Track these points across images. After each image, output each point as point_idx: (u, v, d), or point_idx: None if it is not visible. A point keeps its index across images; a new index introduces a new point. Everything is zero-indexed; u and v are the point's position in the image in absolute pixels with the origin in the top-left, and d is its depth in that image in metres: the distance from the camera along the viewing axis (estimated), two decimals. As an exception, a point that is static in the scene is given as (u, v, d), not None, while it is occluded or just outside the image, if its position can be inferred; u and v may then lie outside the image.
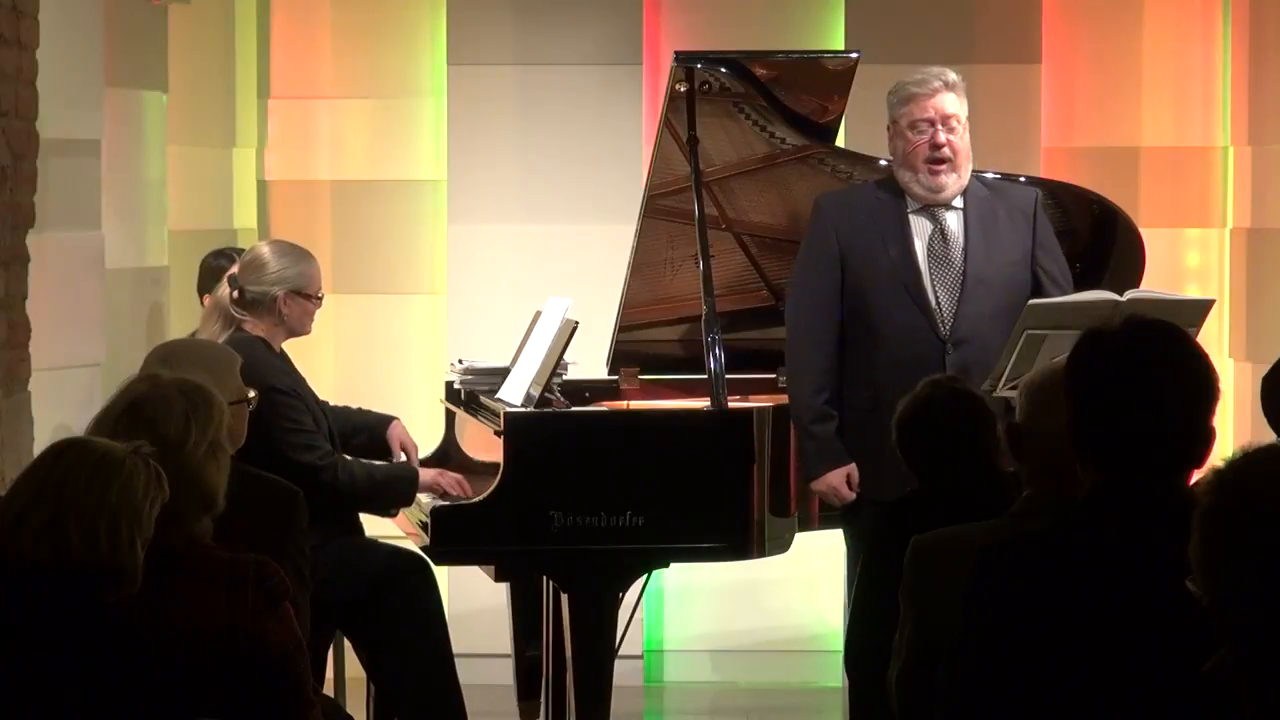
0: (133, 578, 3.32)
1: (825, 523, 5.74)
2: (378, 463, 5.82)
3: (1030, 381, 3.58)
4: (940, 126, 5.47)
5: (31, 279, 5.65)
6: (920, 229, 5.51)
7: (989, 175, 5.74)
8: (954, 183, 5.49)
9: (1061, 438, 2.95)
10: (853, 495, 5.46)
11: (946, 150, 5.46)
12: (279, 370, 5.64)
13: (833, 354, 5.52)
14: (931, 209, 5.52)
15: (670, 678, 7.71)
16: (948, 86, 5.49)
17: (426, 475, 5.77)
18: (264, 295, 5.67)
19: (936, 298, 5.46)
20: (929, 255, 5.49)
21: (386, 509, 5.78)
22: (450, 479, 5.77)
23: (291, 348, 5.83)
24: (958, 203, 5.53)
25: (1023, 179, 5.95)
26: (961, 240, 5.49)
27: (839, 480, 5.49)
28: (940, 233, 5.51)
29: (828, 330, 5.52)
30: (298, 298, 5.71)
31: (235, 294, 5.69)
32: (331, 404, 5.89)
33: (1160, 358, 2.90)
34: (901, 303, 5.45)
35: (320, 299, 5.77)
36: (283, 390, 5.55)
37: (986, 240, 5.49)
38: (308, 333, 5.82)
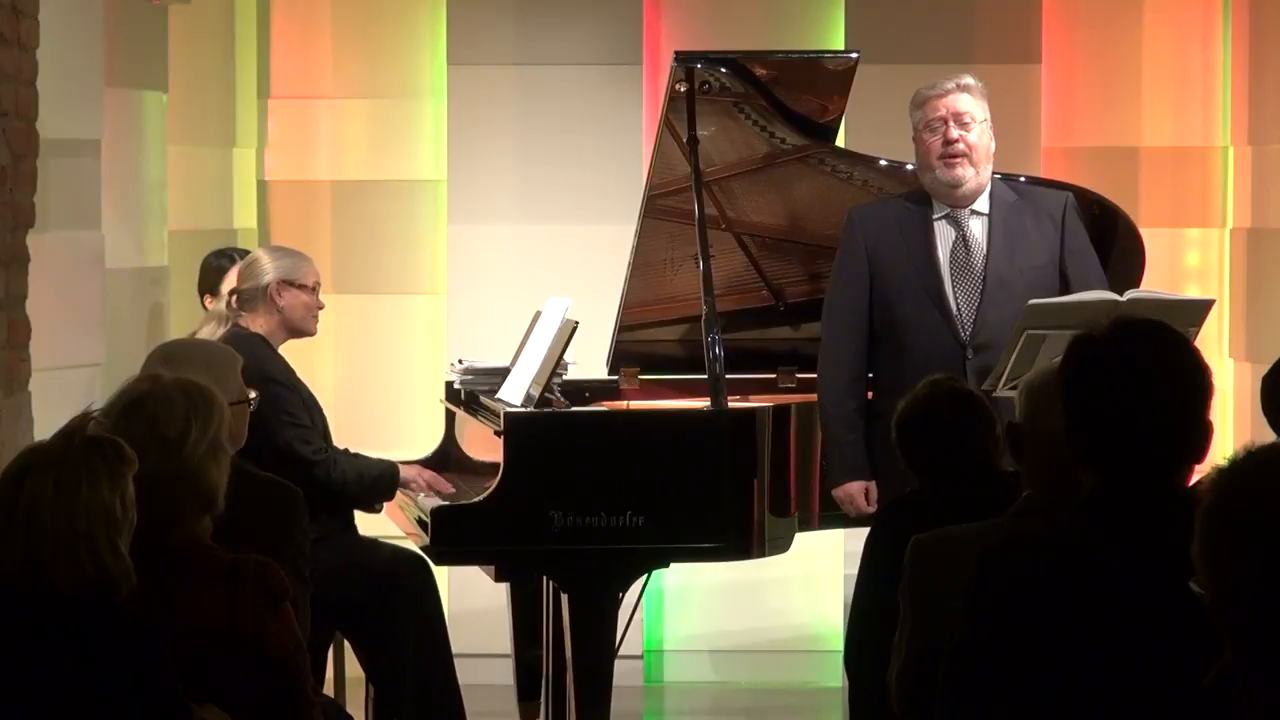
0: (127, 579, 3.30)
1: (825, 523, 5.75)
2: (365, 458, 5.83)
3: (1030, 381, 3.58)
4: (952, 123, 5.51)
5: (31, 279, 5.64)
6: (944, 235, 5.56)
7: (1021, 180, 5.79)
8: (972, 178, 5.53)
9: (1061, 437, 2.95)
10: (871, 509, 5.47)
11: (960, 145, 5.51)
12: (277, 363, 5.66)
13: (862, 363, 5.58)
14: (956, 216, 5.55)
15: (670, 678, 7.71)
16: (960, 88, 5.55)
17: (407, 472, 5.81)
18: (255, 288, 5.72)
19: (957, 303, 5.49)
20: (951, 261, 5.54)
21: (371, 505, 5.82)
22: (425, 478, 5.80)
23: (292, 347, 5.84)
24: (983, 208, 5.57)
25: (1022, 178, 5.95)
26: (984, 245, 5.54)
27: (858, 491, 5.52)
28: (963, 239, 5.55)
29: (857, 340, 5.57)
30: (290, 287, 5.73)
31: (234, 298, 5.74)
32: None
33: (1151, 357, 2.90)
34: (924, 309, 5.49)
35: (315, 291, 5.79)
36: (279, 381, 5.58)
37: (1009, 244, 5.52)
38: (312, 332, 5.83)
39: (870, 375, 5.60)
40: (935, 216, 5.57)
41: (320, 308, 5.83)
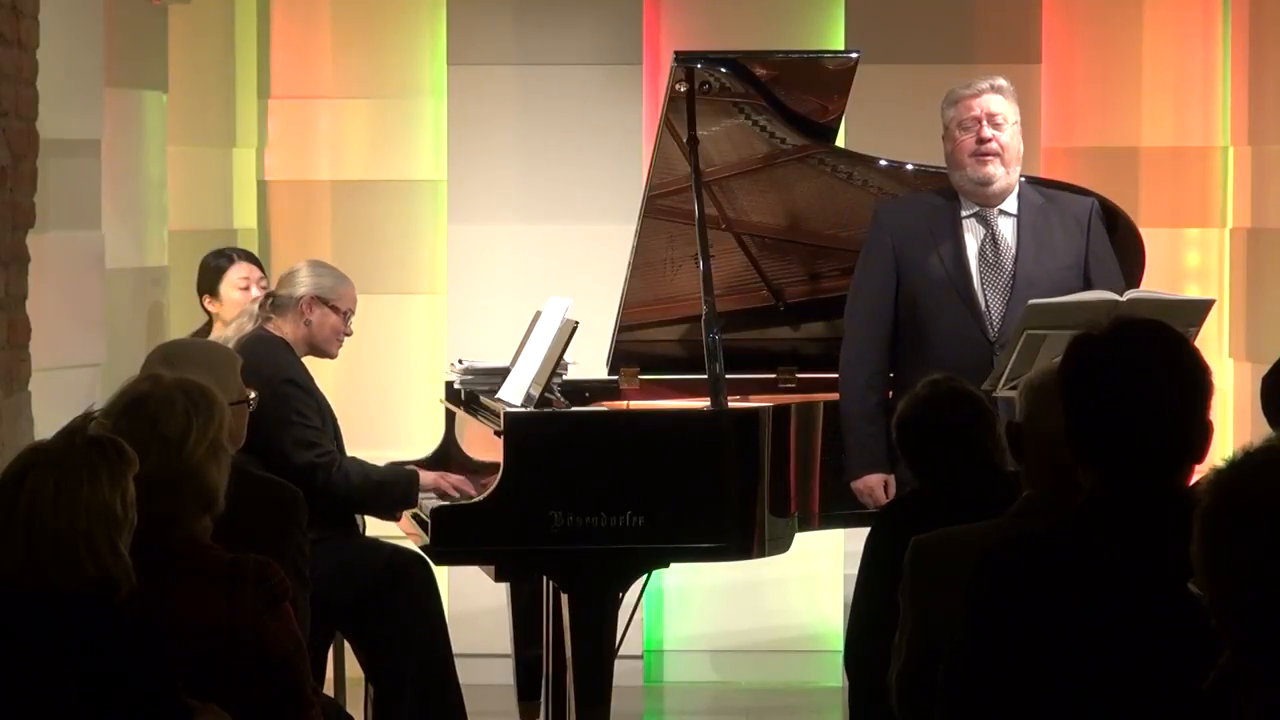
0: (127, 579, 3.30)
1: (825, 523, 5.75)
2: (377, 464, 5.83)
3: (1030, 381, 3.58)
4: (985, 122, 5.58)
5: (31, 279, 5.64)
6: (973, 233, 5.63)
7: (1043, 183, 5.83)
8: (1003, 177, 5.59)
9: (1061, 437, 2.95)
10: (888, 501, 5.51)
11: (993, 144, 5.59)
12: (297, 366, 5.67)
13: (885, 357, 5.64)
14: (985, 215, 5.60)
15: (670, 678, 7.71)
16: (994, 89, 5.64)
17: (427, 477, 5.79)
18: (289, 297, 5.75)
19: (986, 301, 5.56)
20: (980, 259, 5.60)
21: (386, 511, 5.79)
22: (451, 481, 5.78)
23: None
24: (1011, 208, 5.63)
25: (1023, 179, 5.96)
26: (1013, 245, 5.61)
27: (877, 483, 5.58)
28: (992, 237, 5.61)
29: (882, 334, 5.63)
30: (323, 305, 5.76)
31: (269, 301, 5.76)
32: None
33: (1150, 357, 2.90)
34: (952, 306, 5.54)
35: (346, 317, 5.80)
36: (296, 383, 5.58)
37: (1037, 244, 5.59)
38: (332, 355, 5.85)
39: (891, 375, 5.64)
40: (964, 214, 5.63)
41: (348, 334, 5.84)
